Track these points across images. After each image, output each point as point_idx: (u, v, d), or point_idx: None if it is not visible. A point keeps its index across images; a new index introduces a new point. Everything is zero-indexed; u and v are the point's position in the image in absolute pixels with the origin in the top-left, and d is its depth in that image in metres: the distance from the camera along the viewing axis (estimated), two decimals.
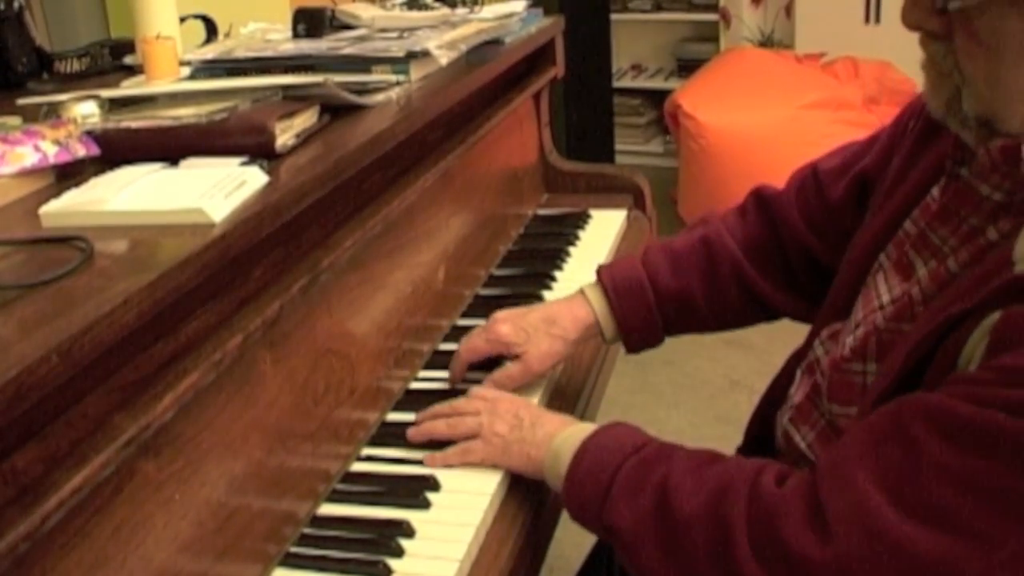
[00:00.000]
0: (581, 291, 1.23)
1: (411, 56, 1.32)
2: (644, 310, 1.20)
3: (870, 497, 0.75)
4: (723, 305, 1.22)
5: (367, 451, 1.12)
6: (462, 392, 1.18)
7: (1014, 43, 0.78)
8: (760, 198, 1.25)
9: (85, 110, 1.11)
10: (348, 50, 1.35)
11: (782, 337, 1.40)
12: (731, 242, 1.22)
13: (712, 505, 0.83)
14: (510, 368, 1.17)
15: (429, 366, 1.30)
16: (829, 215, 1.18)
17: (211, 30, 1.73)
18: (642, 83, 4.62)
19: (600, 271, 1.24)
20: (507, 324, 1.18)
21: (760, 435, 1.14)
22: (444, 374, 1.24)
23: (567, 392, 1.25)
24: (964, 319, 0.78)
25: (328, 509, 1.02)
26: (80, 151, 1.03)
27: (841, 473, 0.78)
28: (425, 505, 1.01)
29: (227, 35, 1.70)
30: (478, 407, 1.08)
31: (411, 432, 1.11)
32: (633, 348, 1.24)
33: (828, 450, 0.81)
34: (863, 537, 0.75)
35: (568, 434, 1.00)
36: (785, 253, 1.21)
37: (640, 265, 1.23)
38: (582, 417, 1.23)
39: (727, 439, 1.22)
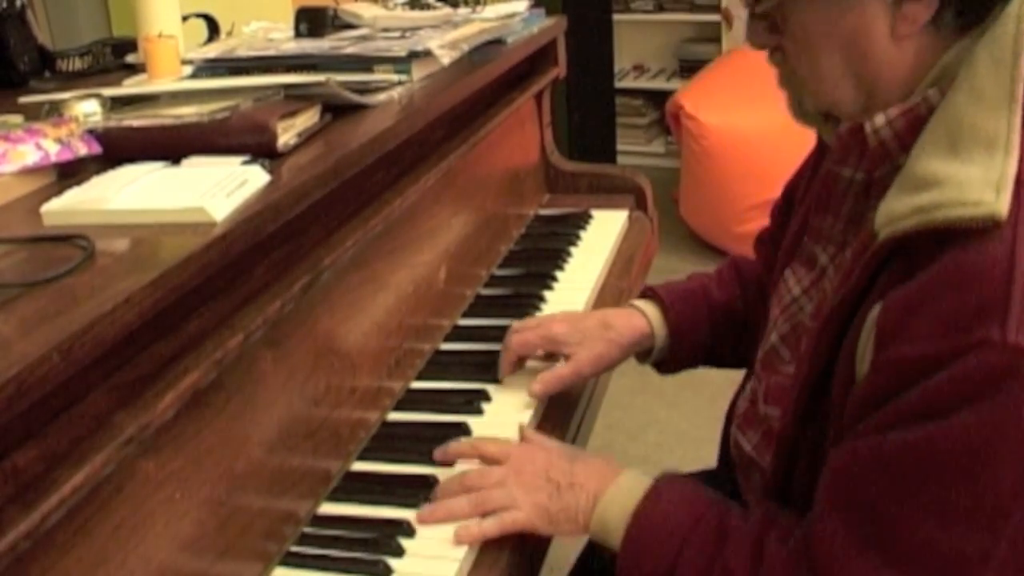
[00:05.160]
0: (631, 304, 1.23)
1: (413, 56, 1.32)
2: (697, 318, 1.21)
3: (858, 567, 0.76)
4: (754, 323, 1.20)
5: (368, 451, 1.12)
6: (455, 394, 1.18)
7: (819, 31, 0.84)
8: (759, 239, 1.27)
9: (87, 108, 1.11)
10: (350, 49, 1.35)
11: None
12: (756, 262, 1.24)
13: None
14: (560, 369, 1.16)
15: (425, 373, 1.30)
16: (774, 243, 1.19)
17: (213, 29, 1.73)
18: (644, 84, 4.62)
19: (649, 287, 1.24)
20: (563, 324, 1.17)
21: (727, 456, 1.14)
22: (442, 384, 1.24)
23: (568, 394, 1.25)
24: (853, 313, 0.80)
25: (329, 508, 1.02)
26: (82, 150, 1.03)
27: (823, 557, 0.78)
28: None
29: (229, 34, 1.70)
30: (500, 477, 0.98)
31: (425, 514, 0.98)
32: (675, 363, 1.23)
33: (797, 537, 0.81)
34: None
35: (612, 499, 0.94)
36: None
37: (688, 280, 1.25)
38: (581, 422, 1.24)
39: None
